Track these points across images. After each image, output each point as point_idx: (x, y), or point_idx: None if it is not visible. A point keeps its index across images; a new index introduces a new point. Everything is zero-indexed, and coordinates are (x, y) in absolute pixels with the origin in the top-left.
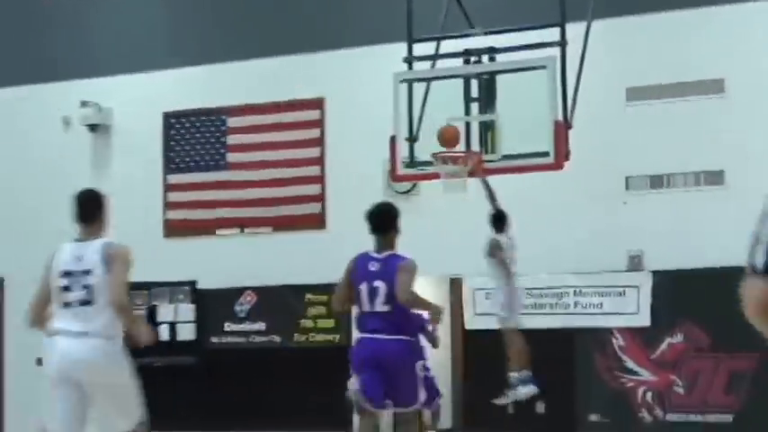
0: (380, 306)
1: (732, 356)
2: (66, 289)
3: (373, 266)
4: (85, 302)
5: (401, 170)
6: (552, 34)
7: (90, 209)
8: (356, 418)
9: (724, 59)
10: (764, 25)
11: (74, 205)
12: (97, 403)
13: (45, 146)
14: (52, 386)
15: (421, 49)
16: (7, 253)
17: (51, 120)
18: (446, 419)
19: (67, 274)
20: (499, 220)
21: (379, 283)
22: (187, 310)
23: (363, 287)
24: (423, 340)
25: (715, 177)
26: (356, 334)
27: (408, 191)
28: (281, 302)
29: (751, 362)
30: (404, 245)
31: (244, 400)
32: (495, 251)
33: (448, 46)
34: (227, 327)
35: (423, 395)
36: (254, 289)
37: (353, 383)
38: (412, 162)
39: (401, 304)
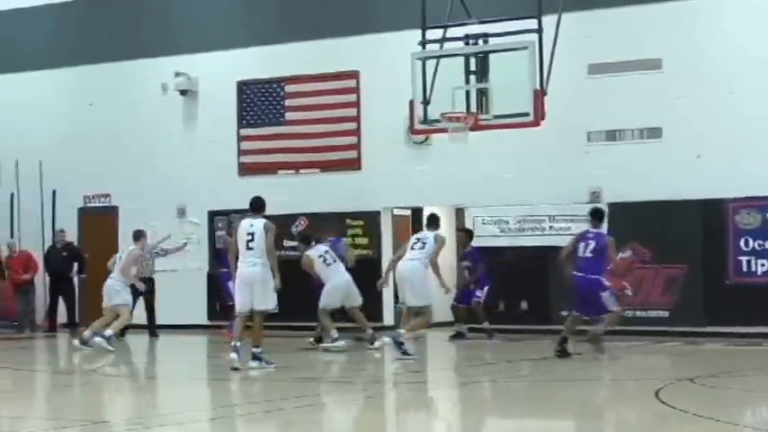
0: None
1: (666, 267)
2: None
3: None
4: None
5: (418, 126)
6: (531, 24)
7: None
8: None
9: (662, 44)
10: (694, 18)
11: None
12: None
13: (148, 105)
14: None
15: (432, 34)
16: (120, 187)
17: (153, 86)
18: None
19: None
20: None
21: None
22: None
23: None
24: None
25: (655, 132)
26: None
27: (423, 141)
28: (326, 225)
29: (681, 271)
30: (420, 184)
31: (296, 296)
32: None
33: (452, 32)
34: (286, 243)
35: None
36: (306, 215)
37: None
38: (426, 120)
39: None
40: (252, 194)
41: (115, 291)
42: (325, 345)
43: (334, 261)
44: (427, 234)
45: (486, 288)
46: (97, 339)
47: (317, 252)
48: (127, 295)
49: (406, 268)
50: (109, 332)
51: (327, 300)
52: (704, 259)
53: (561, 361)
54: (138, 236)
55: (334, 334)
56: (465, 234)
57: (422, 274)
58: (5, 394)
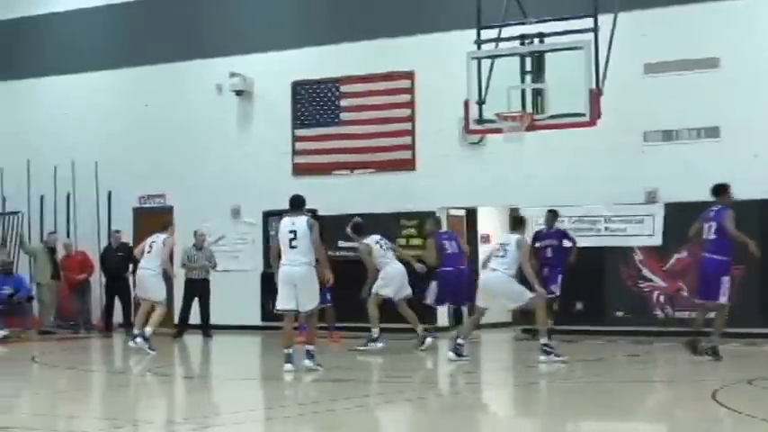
0: None
1: None
2: None
3: None
4: None
5: (472, 126)
6: (587, 23)
7: None
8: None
9: (719, 42)
10: (752, 17)
11: None
12: None
13: (203, 106)
14: None
15: (487, 33)
16: (175, 188)
17: (208, 86)
18: None
19: None
20: None
21: None
22: None
23: None
24: None
25: (712, 132)
26: None
27: (478, 142)
28: (381, 226)
29: (739, 272)
30: (474, 184)
31: (348, 297)
32: None
33: (508, 31)
34: (340, 243)
35: None
36: (361, 215)
37: None
38: (480, 120)
39: None
40: (305, 194)
41: (150, 281)
42: (360, 348)
43: (388, 249)
44: (510, 239)
45: (560, 278)
46: (138, 341)
47: (373, 240)
48: (161, 287)
49: (491, 280)
50: (148, 330)
51: (382, 285)
52: (762, 260)
53: (617, 362)
54: (167, 225)
55: (375, 333)
56: (551, 214)
57: (507, 281)
58: (61, 393)
